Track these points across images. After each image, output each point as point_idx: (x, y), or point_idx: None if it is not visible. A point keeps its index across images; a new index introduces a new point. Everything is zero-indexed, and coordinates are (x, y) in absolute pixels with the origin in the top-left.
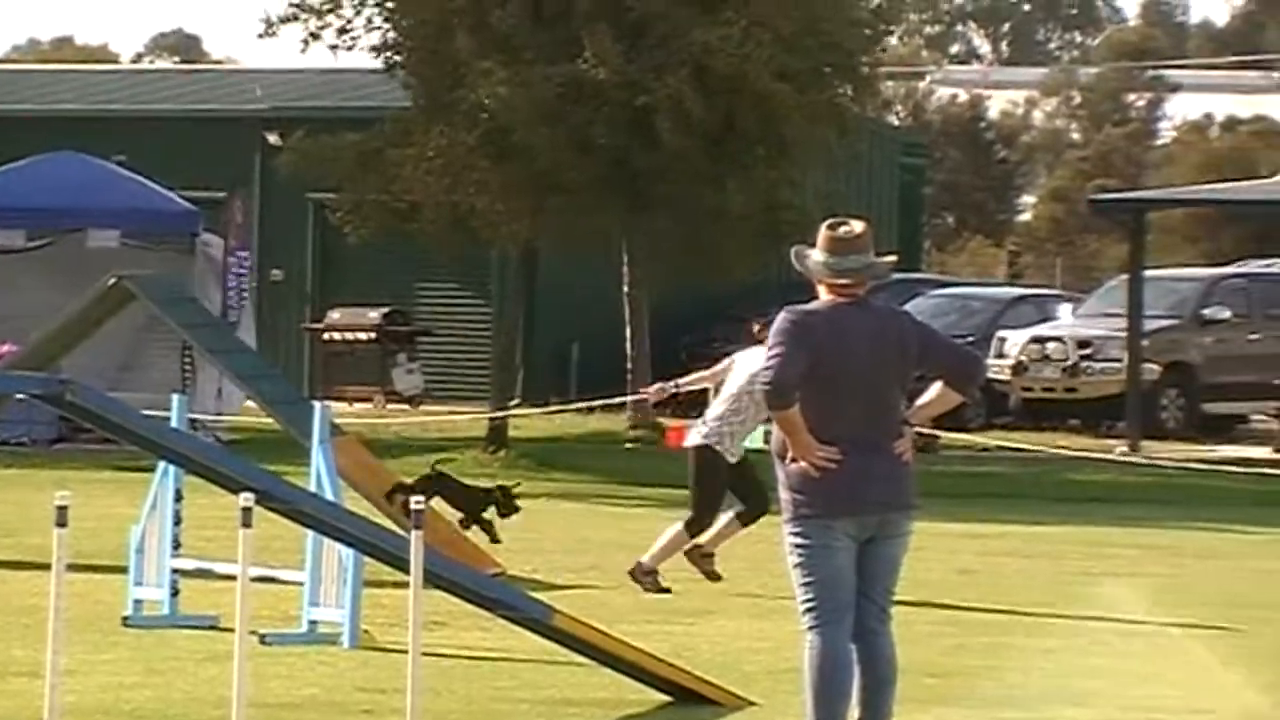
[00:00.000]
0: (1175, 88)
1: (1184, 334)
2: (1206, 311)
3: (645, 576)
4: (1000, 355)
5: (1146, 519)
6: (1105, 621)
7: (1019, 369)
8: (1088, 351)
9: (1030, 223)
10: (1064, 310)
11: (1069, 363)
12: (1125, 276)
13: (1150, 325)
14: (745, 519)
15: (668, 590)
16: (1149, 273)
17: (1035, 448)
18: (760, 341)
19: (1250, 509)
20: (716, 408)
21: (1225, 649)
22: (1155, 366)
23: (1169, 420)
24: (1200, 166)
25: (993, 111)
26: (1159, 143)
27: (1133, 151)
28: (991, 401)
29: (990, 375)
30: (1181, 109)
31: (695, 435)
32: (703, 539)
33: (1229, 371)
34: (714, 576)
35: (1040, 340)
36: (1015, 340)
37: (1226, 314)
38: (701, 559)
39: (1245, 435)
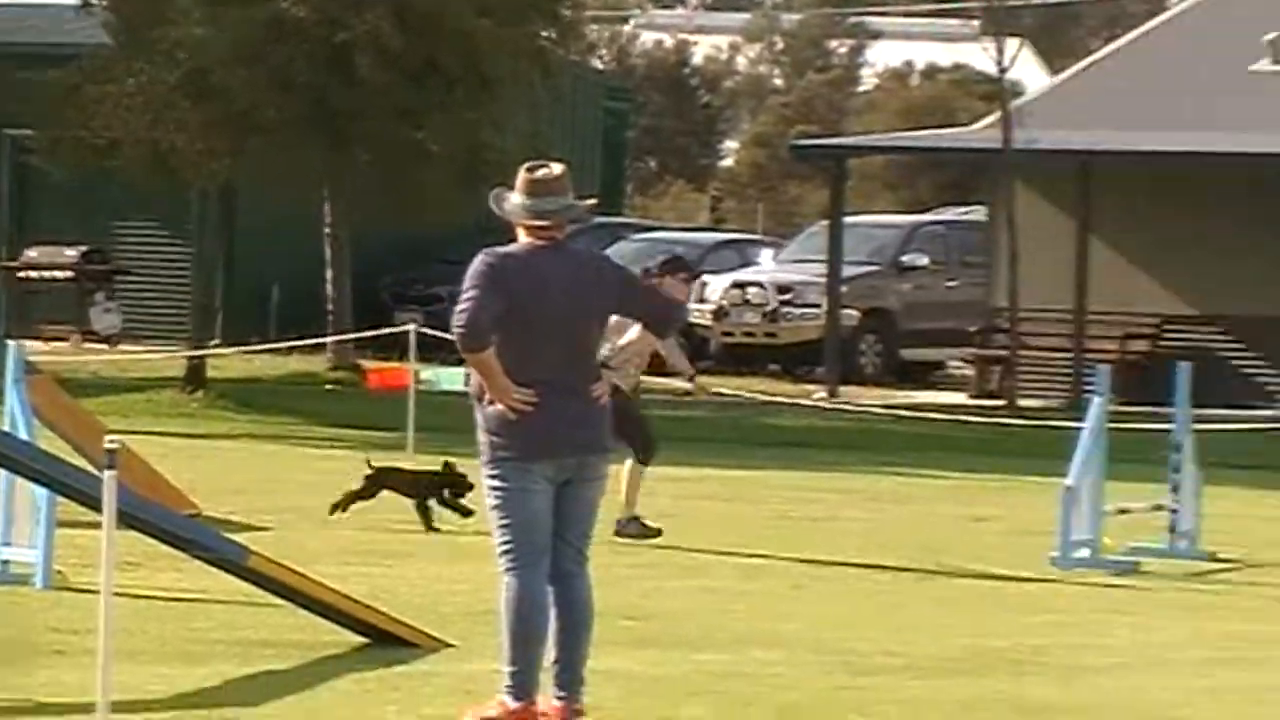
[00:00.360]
0: (877, 35)
1: (883, 280)
2: (905, 258)
3: (629, 526)
4: (701, 300)
5: (844, 464)
6: (803, 564)
7: (720, 314)
8: (788, 297)
9: (733, 168)
10: (765, 256)
11: (769, 308)
12: (826, 222)
13: (850, 271)
14: (645, 459)
15: (658, 532)
16: (849, 219)
17: (735, 392)
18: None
19: (945, 454)
20: (603, 352)
21: (918, 593)
22: (854, 312)
23: (867, 366)
24: (901, 113)
25: (696, 57)
26: (860, 89)
27: (834, 98)
28: (692, 346)
29: (691, 320)
30: (883, 56)
31: None
32: (626, 509)
33: (927, 318)
34: (653, 532)
35: (741, 285)
36: (716, 285)
37: (924, 261)
38: (630, 525)
39: (942, 381)
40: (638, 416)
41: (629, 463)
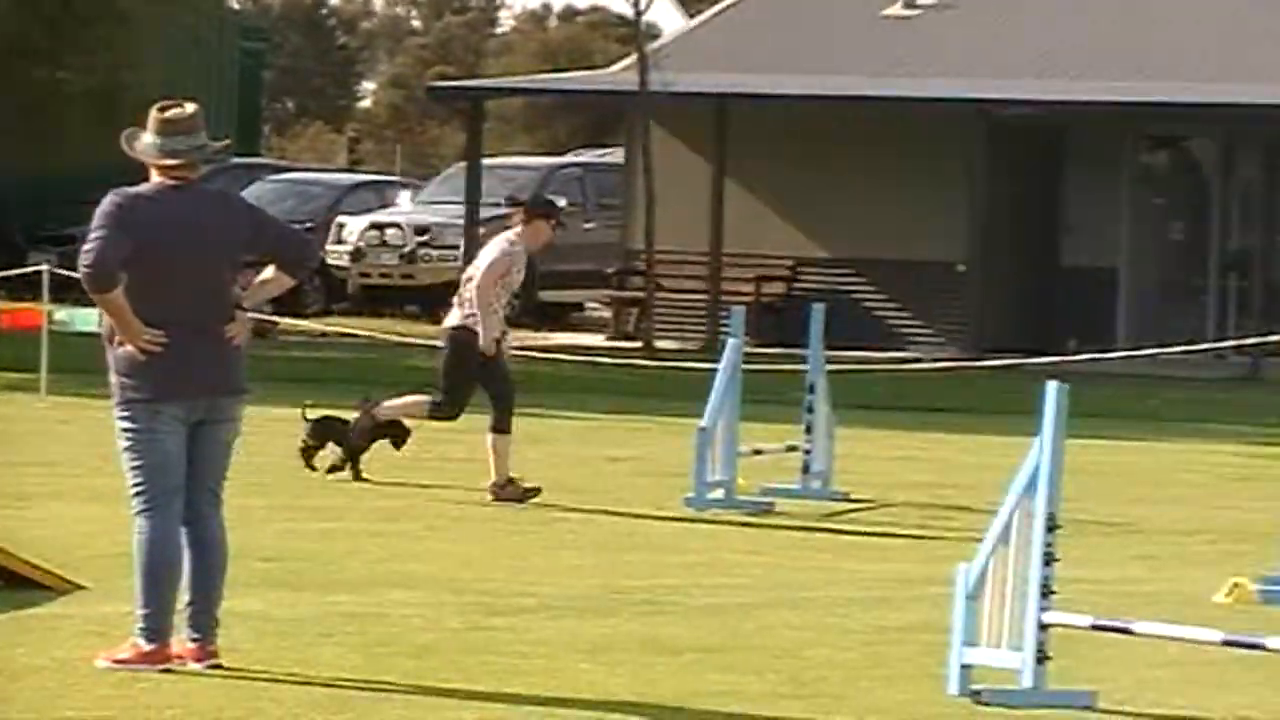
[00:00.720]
0: None
1: None
2: None
3: (505, 490)
4: (339, 241)
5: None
6: (439, 505)
7: (357, 255)
8: (425, 238)
9: (371, 109)
10: (403, 197)
11: (407, 249)
12: (463, 164)
13: (488, 213)
14: (502, 425)
15: (537, 490)
16: (487, 161)
17: (373, 334)
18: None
19: (582, 395)
20: (464, 290)
21: (554, 534)
22: None
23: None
24: (538, 55)
25: None
26: (498, 31)
27: (472, 40)
28: (330, 287)
29: (329, 261)
30: None
31: (454, 316)
32: (493, 476)
33: (564, 260)
34: (532, 492)
35: (378, 226)
36: (354, 226)
37: (562, 203)
38: (504, 490)
39: (580, 323)
40: (503, 377)
41: (490, 435)
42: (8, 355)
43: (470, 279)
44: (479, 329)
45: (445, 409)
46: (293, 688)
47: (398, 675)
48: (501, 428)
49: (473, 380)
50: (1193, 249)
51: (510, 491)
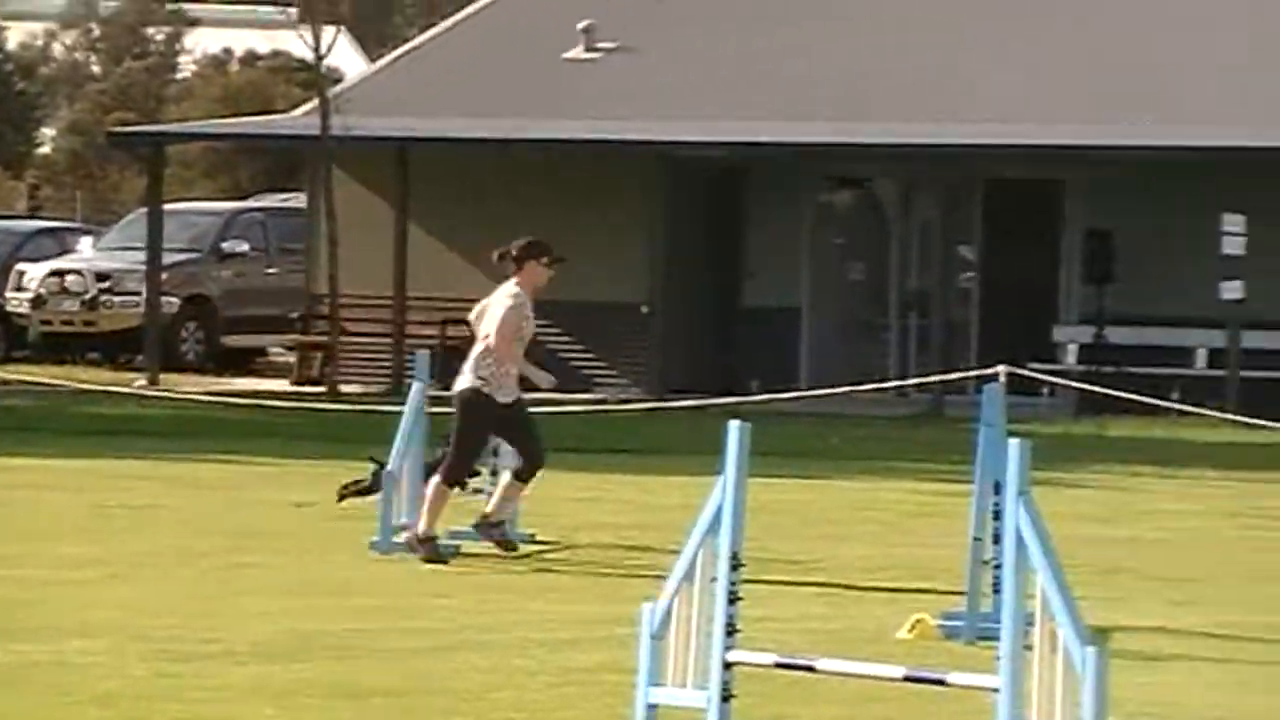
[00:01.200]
0: (195, 22)
1: (203, 267)
2: (225, 245)
3: (423, 545)
4: (19, 289)
5: (166, 451)
6: (122, 552)
7: (38, 302)
8: (107, 284)
9: (50, 155)
10: (85, 243)
11: (88, 296)
12: (145, 210)
13: (170, 259)
14: (524, 475)
15: (444, 561)
16: (169, 206)
17: (55, 381)
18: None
19: (266, 441)
20: (477, 350)
21: (239, 579)
22: (174, 299)
23: (189, 353)
24: (220, 100)
25: (10, 43)
26: (179, 76)
27: (153, 85)
28: (11, 335)
29: (9, 308)
30: (202, 43)
31: (464, 379)
32: (489, 509)
33: (247, 305)
34: (510, 546)
35: (59, 273)
36: (34, 273)
37: (245, 247)
38: (491, 529)
39: (264, 368)
40: (527, 427)
41: (505, 475)
42: None
43: (486, 337)
44: (496, 394)
45: (455, 472)
46: None
47: None
48: (523, 477)
49: (485, 441)
50: (873, 288)
51: (427, 549)
